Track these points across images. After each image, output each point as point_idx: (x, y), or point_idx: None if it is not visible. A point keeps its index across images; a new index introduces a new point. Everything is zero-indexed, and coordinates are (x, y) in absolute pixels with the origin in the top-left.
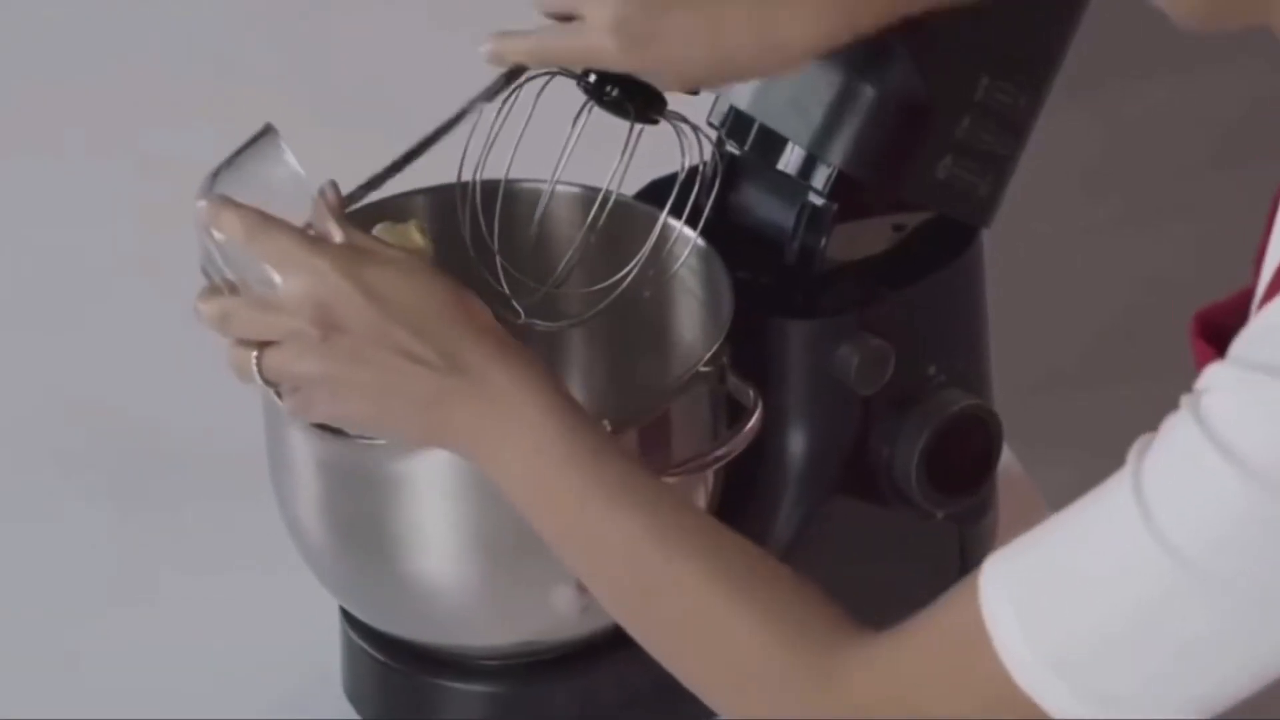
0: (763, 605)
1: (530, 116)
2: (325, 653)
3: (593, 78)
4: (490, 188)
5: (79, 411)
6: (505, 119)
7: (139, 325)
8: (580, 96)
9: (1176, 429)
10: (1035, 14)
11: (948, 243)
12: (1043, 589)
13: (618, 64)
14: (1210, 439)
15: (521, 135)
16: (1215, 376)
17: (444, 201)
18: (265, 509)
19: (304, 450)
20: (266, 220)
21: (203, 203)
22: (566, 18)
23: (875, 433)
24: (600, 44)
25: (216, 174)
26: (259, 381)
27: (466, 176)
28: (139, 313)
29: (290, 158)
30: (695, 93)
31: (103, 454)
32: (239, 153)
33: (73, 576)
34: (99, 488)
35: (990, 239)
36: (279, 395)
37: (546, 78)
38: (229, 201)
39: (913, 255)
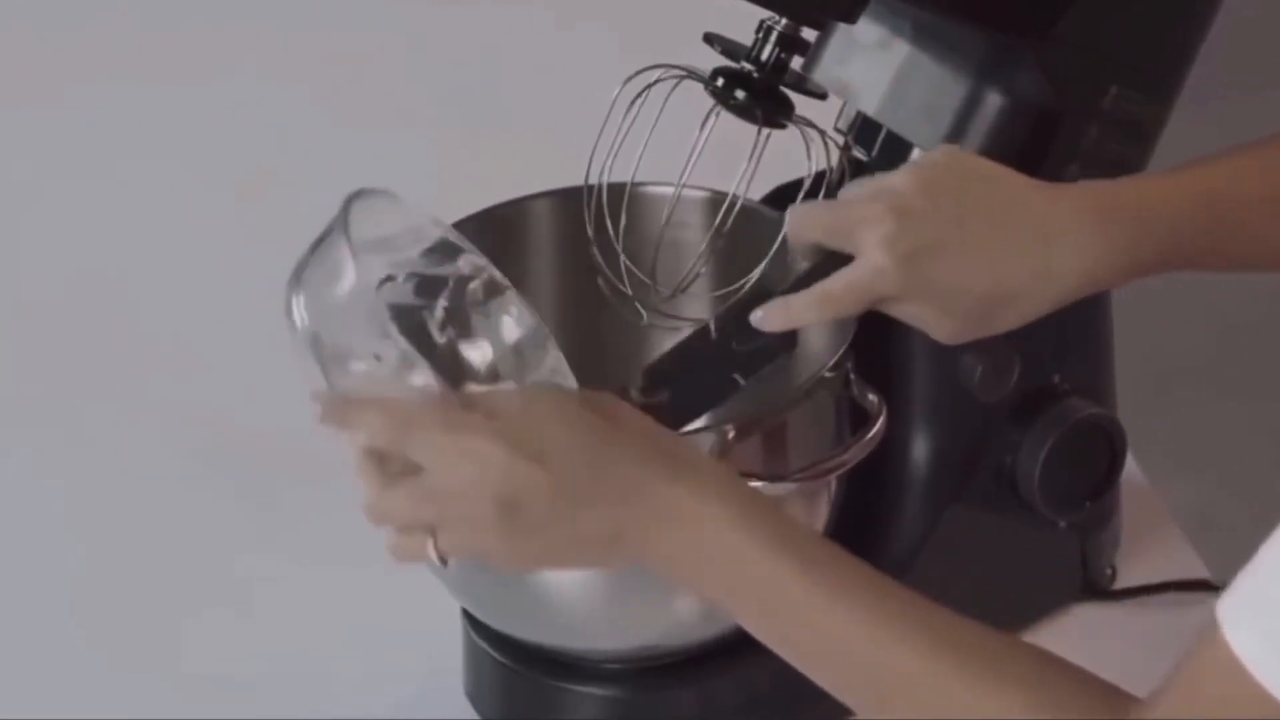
0: (1026, 692)
1: (657, 120)
2: (447, 654)
3: (721, 81)
4: (616, 190)
5: (204, 419)
6: (633, 123)
7: (257, 332)
8: (708, 101)
9: None
10: (1164, 23)
11: None
12: None
13: (896, 284)
14: None
15: (648, 139)
16: None
17: (570, 204)
18: None
19: None
20: (407, 417)
21: (321, 408)
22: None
23: (998, 440)
24: (876, 265)
25: (300, 279)
26: (432, 559)
27: (593, 179)
28: (255, 319)
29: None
30: (823, 96)
31: (228, 460)
32: (312, 254)
33: (198, 578)
34: (226, 491)
35: None
36: (444, 563)
37: (674, 81)
38: (356, 402)
39: None
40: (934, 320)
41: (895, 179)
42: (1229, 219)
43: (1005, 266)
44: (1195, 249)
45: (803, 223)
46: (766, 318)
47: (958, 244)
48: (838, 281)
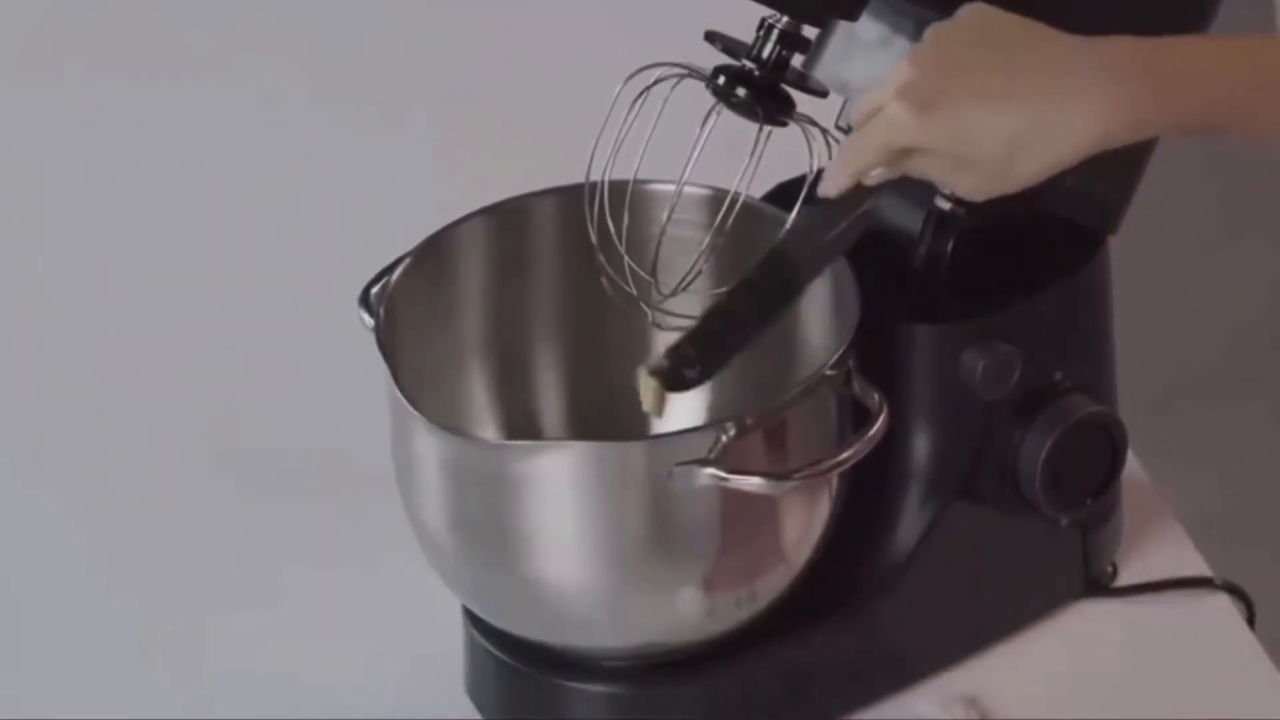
0: None
1: (659, 118)
2: (448, 652)
3: (722, 79)
4: (618, 188)
5: (208, 413)
6: (634, 121)
7: (270, 327)
8: (709, 98)
9: None
10: (1164, 20)
11: (1075, 249)
12: None
13: (912, 129)
14: None
15: (650, 136)
16: None
17: (572, 201)
18: (390, 509)
19: (430, 450)
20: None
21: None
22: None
23: (999, 438)
24: (893, 113)
25: None
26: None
27: (595, 177)
28: (270, 315)
29: None
30: (824, 94)
31: (231, 454)
32: None
33: (198, 574)
34: (227, 487)
35: (1118, 246)
36: None
37: (676, 79)
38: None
39: (1040, 261)
40: (953, 171)
41: (925, 34)
42: (1269, 78)
43: (1024, 110)
44: (1230, 109)
45: (858, 97)
46: (822, 190)
47: (976, 88)
48: (860, 137)
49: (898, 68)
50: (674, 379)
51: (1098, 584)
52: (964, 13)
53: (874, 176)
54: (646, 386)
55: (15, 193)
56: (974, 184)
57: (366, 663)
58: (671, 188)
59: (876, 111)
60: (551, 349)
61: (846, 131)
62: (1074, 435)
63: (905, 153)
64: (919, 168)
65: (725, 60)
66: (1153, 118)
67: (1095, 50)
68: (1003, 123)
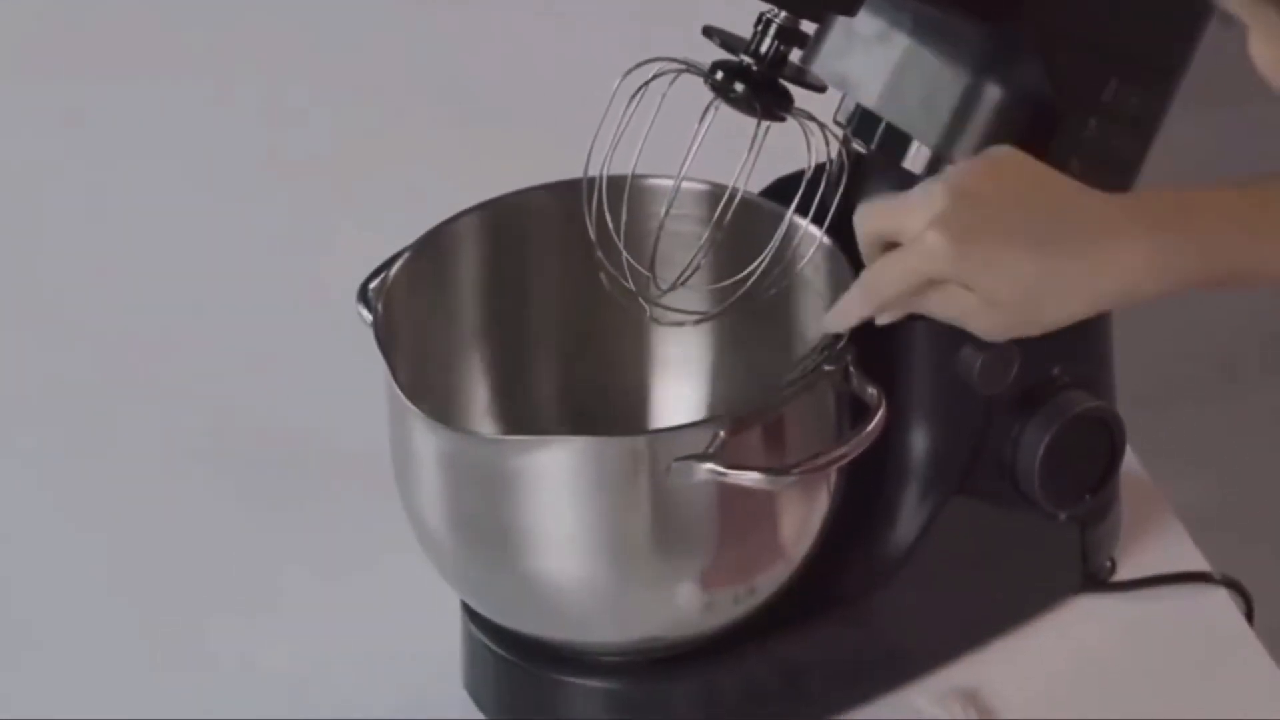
0: None
1: (657, 113)
2: (446, 648)
3: (720, 74)
4: (616, 183)
5: (205, 411)
6: (632, 116)
7: (265, 326)
8: (707, 94)
9: None
10: (1163, 16)
11: None
12: None
13: (949, 261)
14: None
15: (648, 131)
16: None
17: (570, 197)
18: (389, 505)
19: (428, 445)
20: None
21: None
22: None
23: (998, 433)
24: (930, 242)
25: None
26: None
27: (593, 172)
28: (268, 313)
29: None
30: (822, 89)
31: (228, 453)
32: None
33: (197, 573)
34: (225, 486)
35: None
36: None
37: (674, 74)
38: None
39: None
40: (979, 310)
41: (951, 169)
42: None
43: (1054, 257)
44: (1248, 260)
45: (866, 213)
46: (830, 324)
47: (1009, 230)
48: (887, 266)
49: (925, 196)
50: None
51: (1096, 579)
52: (996, 154)
53: (887, 317)
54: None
55: (15, 193)
56: (997, 324)
57: (366, 661)
58: (670, 183)
59: (893, 236)
60: (549, 344)
61: (844, 126)
62: (1072, 430)
63: (930, 285)
64: (940, 304)
65: (723, 55)
66: (1180, 274)
67: (1125, 204)
68: (1035, 270)
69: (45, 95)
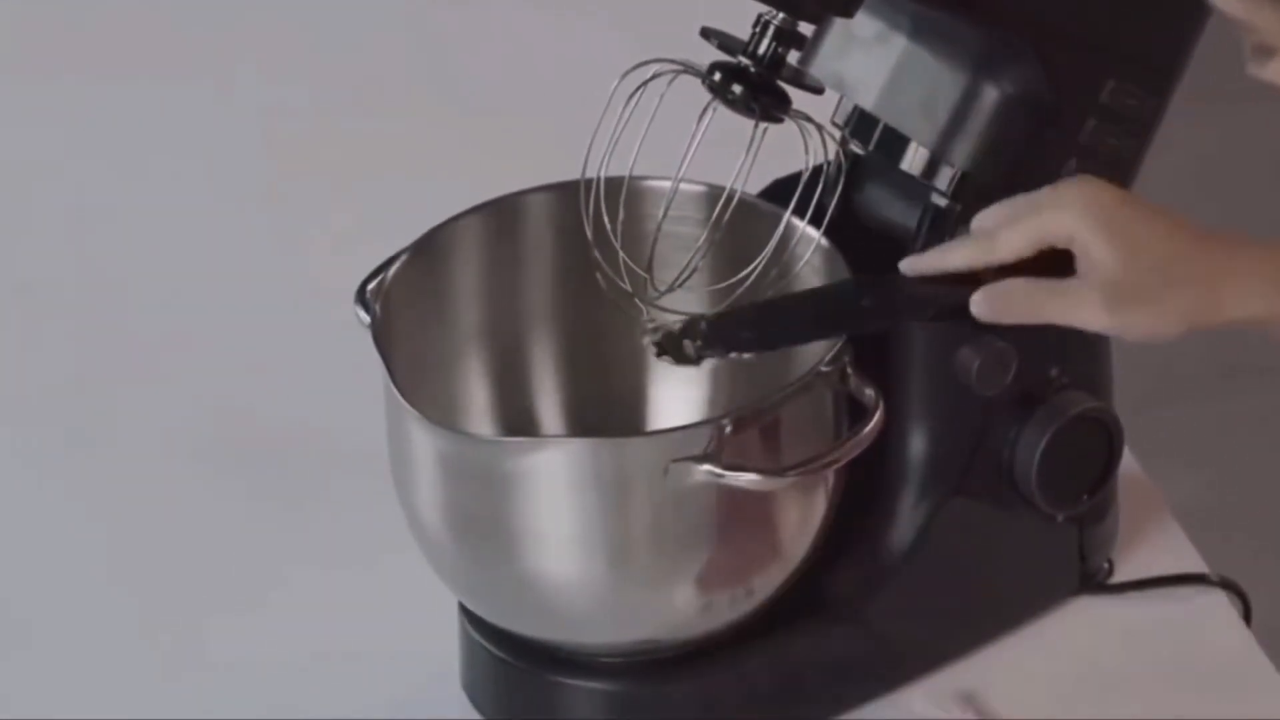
0: None
1: (655, 114)
2: (444, 648)
3: (718, 76)
4: (614, 185)
5: (204, 411)
6: (630, 117)
7: (264, 326)
8: (705, 95)
9: None
10: (1162, 16)
11: None
12: None
13: (1097, 321)
14: None
15: (646, 133)
16: None
17: (568, 198)
18: (387, 505)
19: (426, 446)
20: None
21: None
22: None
23: (995, 434)
24: (1087, 300)
25: None
26: None
27: (590, 173)
28: (267, 313)
29: None
30: (820, 91)
31: (226, 453)
32: None
33: (195, 573)
34: (223, 486)
35: None
36: None
37: (671, 75)
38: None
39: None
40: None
41: (1095, 249)
42: None
43: (1195, 319)
44: None
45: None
46: (985, 304)
47: (1159, 302)
48: (1014, 214)
49: (1091, 294)
50: (673, 347)
51: (1094, 580)
52: (1105, 198)
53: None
54: (647, 339)
55: (15, 192)
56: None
57: (363, 661)
58: (667, 184)
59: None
60: (547, 345)
61: (842, 127)
62: (1070, 431)
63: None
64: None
65: (721, 57)
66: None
67: (1247, 243)
68: (1179, 331)
69: (45, 95)
